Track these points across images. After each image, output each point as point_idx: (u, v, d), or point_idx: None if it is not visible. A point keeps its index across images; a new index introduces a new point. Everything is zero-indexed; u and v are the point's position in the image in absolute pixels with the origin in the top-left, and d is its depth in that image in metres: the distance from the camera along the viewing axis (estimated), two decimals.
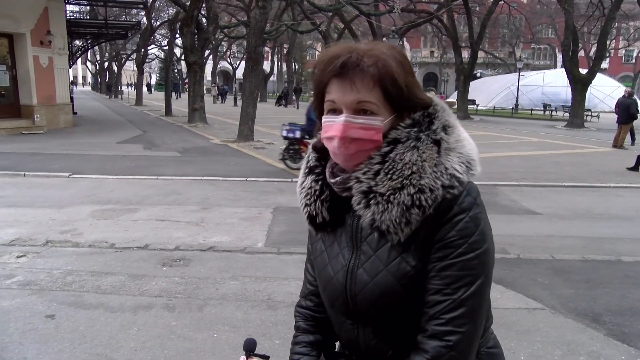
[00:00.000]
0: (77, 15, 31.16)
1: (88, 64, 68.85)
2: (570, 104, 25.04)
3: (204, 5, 21.47)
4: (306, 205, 1.17)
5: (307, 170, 1.20)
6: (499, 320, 3.69)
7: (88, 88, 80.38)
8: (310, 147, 1.21)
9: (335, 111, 1.06)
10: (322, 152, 1.16)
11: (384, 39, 26.48)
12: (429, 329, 1.01)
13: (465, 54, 32.18)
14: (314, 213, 1.15)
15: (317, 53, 60.90)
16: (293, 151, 10.37)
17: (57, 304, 3.91)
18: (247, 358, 1.07)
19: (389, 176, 1.02)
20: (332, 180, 1.11)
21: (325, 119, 1.07)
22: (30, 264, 4.81)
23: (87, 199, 7.60)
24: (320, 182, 1.15)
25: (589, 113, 27.46)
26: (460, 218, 1.00)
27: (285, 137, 10.35)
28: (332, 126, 1.05)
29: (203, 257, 5.14)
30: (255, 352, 1.12)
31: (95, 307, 3.87)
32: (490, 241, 1.04)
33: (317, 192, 1.15)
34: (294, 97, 39.57)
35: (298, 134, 10.15)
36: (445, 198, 1.00)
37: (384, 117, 1.04)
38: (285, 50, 49.50)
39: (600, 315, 3.90)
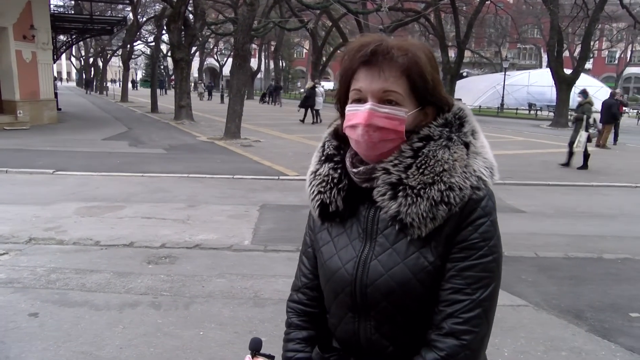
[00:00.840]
0: (62, 9, 30.77)
1: (73, 59, 67.96)
2: (555, 104, 25.33)
3: (191, 1, 21.33)
4: (319, 192, 1.16)
5: (323, 157, 1.18)
6: None
7: (73, 84, 79.34)
8: (328, 134, 1.21)
9: (360, 101, 1.06)
10: (340, 141, 1.16)
11: None
12: (445, 326, 1.02)
13: (452, 53, 32.41)
14: (328, 201, 1.14)
15: (304, 51, 60.88)
16: None
17: (40, 302, 3.87)
18: (252, 357, 1.07)
19: (421, 170, 1.04)
20: (355, 170, 1.11)
21: (350, 107, 1.08)
22: (13, 261, 4.75)
23: (72, 196, 7.52)
24: (339, 171, 1.15)
25: (574, 112, 27.77)
26: (483, 221, 1.03)
27: None
28: (357, 114, 1.06)
29: (189, 254, 5.12)
30: (261, 351, 1.11)
31: (81, 305, 3.83)
32: (501, 246, 1.08)
33: (334, 180, 1.14)
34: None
35: None
36: (472, 199, 1.03)
37: (409, 109, 1.06)
38: (272, 48, 49.35)
39: (582, 312, 3.97)
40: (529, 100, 37.39)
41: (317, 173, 1.18)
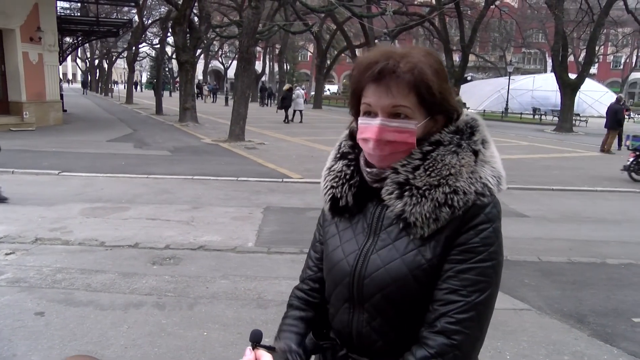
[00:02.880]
0: (68, 11, 30.97)
1: (78, 61, 68.27)
2: (559, 109, 25.29)
3: (196, 4, 21.42)
4: (332, 187, 1.21)
5: (338, 155, 1.24)
6: None
7: (78, 85, 79.58)
8: (345, 134, 1.26)
9: (371, 113, 1.11)
10: (355, 141, 1.20)
11: (376, 40, 26.58)
12: (438, 325, 1.04)
13: (457, 57, 32.37)
14: (339, 195, 1.19)
15: (309, 54, 60.96)
16: None
17: (46, 301, 3.90)
18: (253, 349, 1.10)
19: (427, 172, 1.08)
20: (368, 170, 1.16)
21: (362, 120, 1.12)
22: (19, 261, 4.79)
23: (77, 197, 7.57)
24: (352, 168, 1.20)
25: (578, 117, 27.77)
26: (485, 227, 1.05)
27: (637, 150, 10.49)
28: (368, 128, 1.10)
29: (193, 256, 5.15)
30: (261, 343, 1.14)
31: (86, 305, 3.87)
32: (503, 255, 1.10)
33: (347, 176, 1.19)
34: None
35: None
36: (475, 204, 1.05)
37: (418, 120, 1.09)
38: (277, 51, 49.47)
39: (585, 316, 3.98)
40: (533, 104, 37.37)
41: (332, 169, 1.24)
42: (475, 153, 1.10)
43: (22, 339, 3.31)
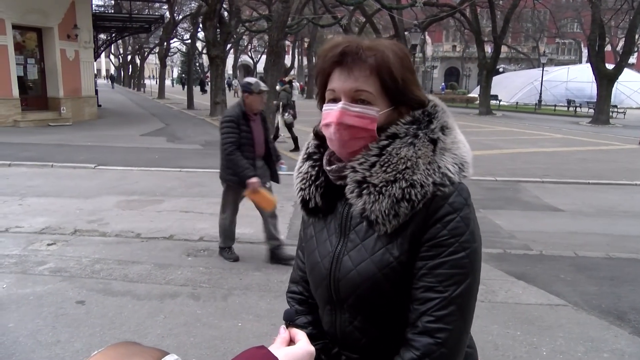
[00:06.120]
0: (102, 9, 31.65)
1: (111, 57, 69.73)
2: (595, 100, 24.56)
3: None
4: (301, 189, 1.21)
5: (305, 156, 1.24)
6: (521, 316, 3.71)
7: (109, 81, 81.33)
8: (312, 133, 1.25)
9: (335, 100, 1.10)
10: (321, 140, 1.20)
11: (406, 32, 26.29)
12: (419, 325, 1.03)
13: (488, 49, 31.80)
14: (307, 197, 1.19)
15: None
16: None
17: (86, 290, 4.03)
18: (286, 327, 1.12)
19: (383, 169, 1.06)
20: (328, 168, 1.15)
21: (325, 107, 1.12)
22: (60, 251, 4.95)
23: (112, 189, 7.77)
24: (316, 168, 1.20)
25: (615, 109, 26.92)
26: (451, 218, 1.03)
27: None
28: (330, 113, 1.09)
29: None
30: (295, 321, 1.16)
31: (123, 295, 3.98)
32: (479, 241, 1.06)
33: (312, 178, 1.19)
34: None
35: None
36: (436, 196, 1.03)
37: (380, 108, 1.08)
38: (306, 44, 49.49)
39: (625, 313, 3.88)
40: (567, 96, 36.40)
41: (300, 170, 1.23)
42: (434, 142, 1.07)
43: (65, 326, 3.43)
